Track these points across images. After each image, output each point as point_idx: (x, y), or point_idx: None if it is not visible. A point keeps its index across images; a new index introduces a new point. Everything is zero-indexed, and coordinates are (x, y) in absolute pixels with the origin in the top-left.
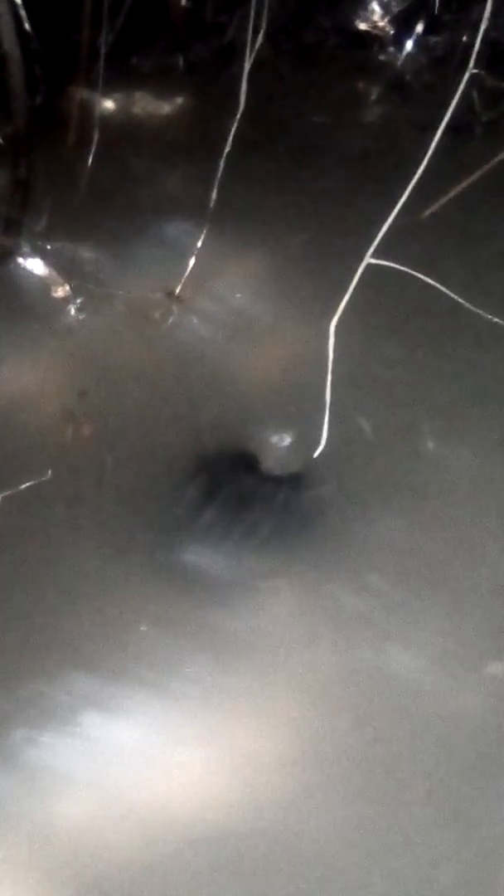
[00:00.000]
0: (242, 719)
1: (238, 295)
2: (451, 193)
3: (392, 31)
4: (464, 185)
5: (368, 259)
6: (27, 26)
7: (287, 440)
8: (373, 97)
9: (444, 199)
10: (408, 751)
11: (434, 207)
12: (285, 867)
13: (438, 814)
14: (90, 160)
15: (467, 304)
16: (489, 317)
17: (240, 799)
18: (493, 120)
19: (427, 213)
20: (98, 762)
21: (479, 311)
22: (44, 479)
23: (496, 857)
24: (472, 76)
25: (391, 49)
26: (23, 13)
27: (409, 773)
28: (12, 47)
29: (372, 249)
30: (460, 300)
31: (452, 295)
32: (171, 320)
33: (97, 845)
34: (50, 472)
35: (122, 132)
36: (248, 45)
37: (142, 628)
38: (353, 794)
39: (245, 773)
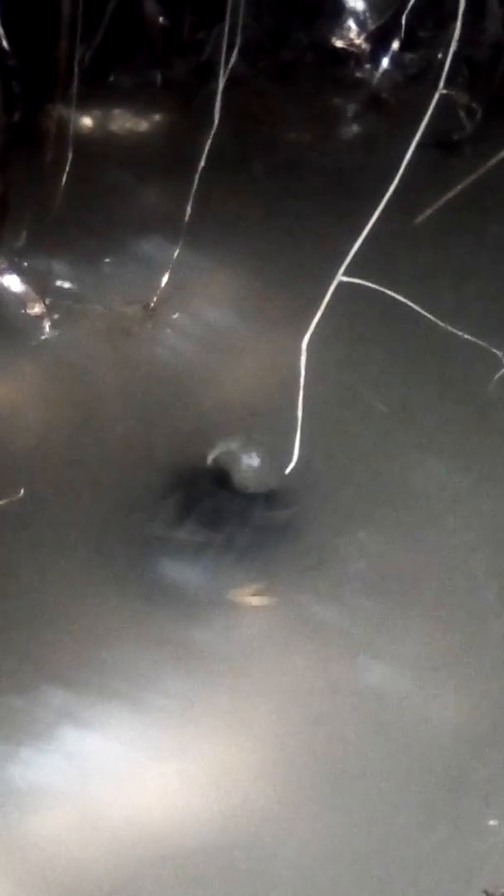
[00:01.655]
0: (218, 733)
1: (213, 310)
2: (427, 210)
3: (368, 48)
4: (439, 202)
5: (340, 277)
6: (4, 43)
7: (260, 456)
8: (349, 114)
9: (419, 217)
10: (384, 764)
11: (410, 223)
12: (261, 881)
13: (415, 826)
14: (66, 176)
15: (439, 322)
16: (461, 334)
17: (215, 813)
18: (470, 137)
19: (401, 230)
20: (74, 776)
21: (451, 328)
22: (16, 497)
23: (473, 870)
24: (448, 92)
25: (367, 66)
26: (0, 30)
27: (386, 785)
28: None
29: (343, 267)
30: (432, 318)
31: (424, 312)
32: (145, 336)
33: (72, 859)
34: (22, 490)
35: (99, 148)
36: (223, 61)
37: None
38: (329, 807)
39: (221, 787)
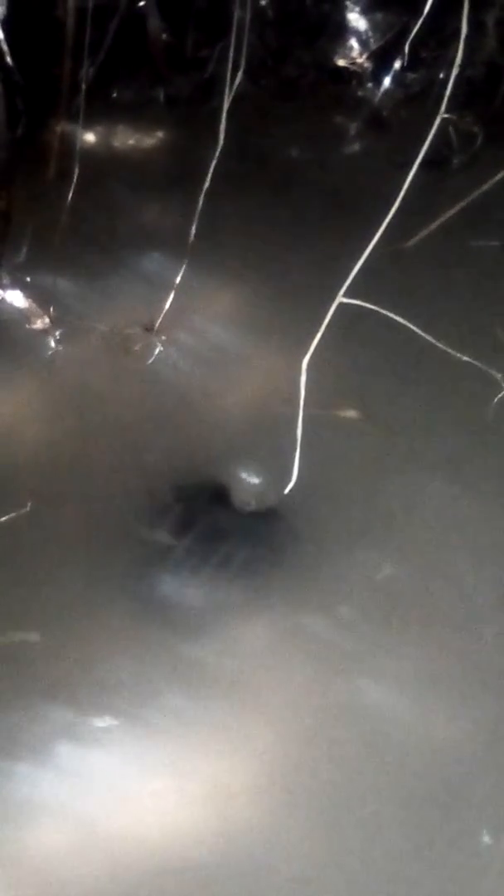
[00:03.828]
0: (214, 750)
1: (215, 329)
2: (426, 231)
3: (370, 67)
4: (438, 222)
5: (340, 298)
6: (9, 59)
7: (260, 474)
8: (351, 132)
9: (418, 237)
10: (379, 781)
11: (409, 244)
12: None
13: (410, 844)
14: (71, 193)
15: (438, 344)
16: (460, 356)
17: (211, 829)
18: (469, 157)
19: (401, 251)
20: (71, 792)
21: (451, 350)
22: (23, 511)
23: (468, 887)
24: (451, 116)
25: (369, 85)
26: (4, 47)
27: (381, 803)
28: None
29: (344, 289)
30: (431, 339)
31: (423, 334)
32: (149, 353)
33: (69, 874)
34: (29, 504)
35: (103, 165)
36: (228, 81)
37: None
38: (324, 824)
39: (217, 804)
